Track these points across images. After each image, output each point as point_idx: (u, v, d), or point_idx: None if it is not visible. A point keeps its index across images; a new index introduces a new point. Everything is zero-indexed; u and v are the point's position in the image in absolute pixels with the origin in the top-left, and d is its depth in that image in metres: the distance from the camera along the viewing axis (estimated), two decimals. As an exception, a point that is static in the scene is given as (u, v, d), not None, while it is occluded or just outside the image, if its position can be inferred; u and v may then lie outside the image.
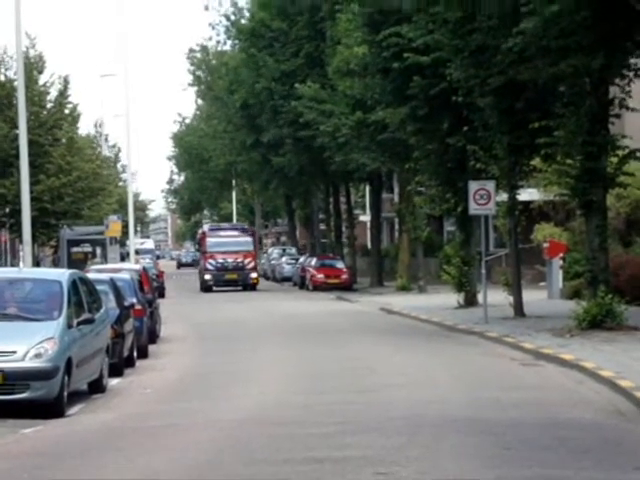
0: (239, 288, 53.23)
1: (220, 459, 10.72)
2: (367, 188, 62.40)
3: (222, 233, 56.28)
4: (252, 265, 54.58)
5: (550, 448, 10.78)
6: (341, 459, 10.40)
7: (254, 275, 54.64)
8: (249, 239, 55.69)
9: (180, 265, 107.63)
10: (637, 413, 12.69)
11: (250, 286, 53.65)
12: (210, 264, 54.02)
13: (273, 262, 68.68)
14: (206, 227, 60.55)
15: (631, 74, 23.08)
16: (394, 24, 30.89)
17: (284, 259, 66.54)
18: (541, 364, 18.37)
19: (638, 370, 15.64)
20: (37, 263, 53.48)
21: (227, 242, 54.64)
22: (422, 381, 16.61)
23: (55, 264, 56.42)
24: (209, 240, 55.14)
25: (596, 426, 12.10)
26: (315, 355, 21.20)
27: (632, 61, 23.01)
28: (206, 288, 53.71)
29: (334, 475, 9.74)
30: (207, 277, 54.10)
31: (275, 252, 73.79)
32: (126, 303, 20.36)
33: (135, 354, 20.53)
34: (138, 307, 21.62)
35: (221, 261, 53.92)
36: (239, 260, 53.99)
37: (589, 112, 22.42)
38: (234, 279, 53.92)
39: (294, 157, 52.02)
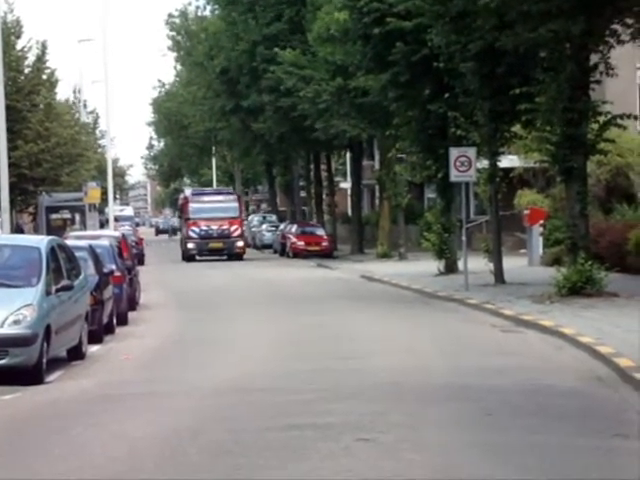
0: (224, 258, 50.21)
1: (200, 427, 10.67)
2: (348, 155, 62.32)
3: (205, 198, 52.85)
4: (238, 233, 51.48)
5: (531, 414, 10.80)
6: (322, 425, 10.38)
7: (240, 244, 51.47)
8: (235, 204, 52.23)
9: (158, 232, 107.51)
10: (616, 379, 12.71)
11: (236, 255, 50.58)
12: (193, 232, 50.77)
13: (253, 229, 68.56)
14: (188, 192, 56.51)
15: (612, 40, 23.01)
16: (375, -11, 30.69)
17: (264, 226, 66.44)
18: (521, 330, 18.40)
19: (617, 336, 15.67)
20: (20, 230, 53.22)
21: (211, 208, 51.17)
22: (403, 348, 16.60)
23: (35, 231, 56.16)
24: (192, 206, 51.70)
25: (576, 392, 12.12)
26: (295, 322, 21.17)
27: (613, 27, 22.94)
28: (189, 257, 50.86)
29: (315, 441, 9.72)
30: (190, 246, 50.90)
31: (255, 219, 73.63)
32: (105, 270, 20.25)
33: (114, 321, 20.45)
34: (117, 274, 21.51)
35: (205, 228, 50.62)
36: (224, 227, 50.73)
37: (570, 78, 22.35)
38: (219, 248, 50.64)
39: (274, 124, 51.80)
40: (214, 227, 50.75)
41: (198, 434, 10.28)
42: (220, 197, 53.29)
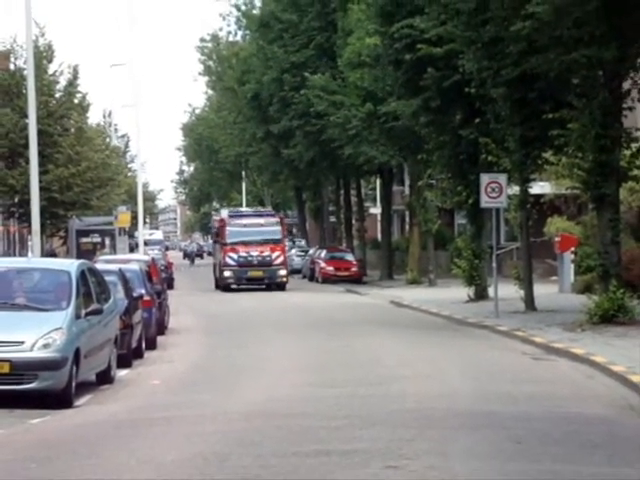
0: (263, 287, 45.18)
1: (227, 451, 10.61)
2: (378, 181, 62.29)
3: (245, 221, 46.59)
4: (281, 260, 45.67)
5: (560, 443, 10.67)
6: (350, 452, 10.31)
7: (283, 272, 45.72)
8: (277, 228, 46.25)
9: (185, 256, 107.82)
10: (649, 408, 12.57)
11: (277, 285, 45.37)
12: (231, 258, 45.06)
13: (283, 254, 68.45)
14: (224, 213, 50.38)
15: (645, 66, 22.92)
16: (407, 16, 30.80)
17: (294, 251, 66.44)
18: (552, 358, 18.25)
19: (650, 365, 15.50)
20: (52, 254, 53.50)
21: (251, 231, 45.38)
22: (432, 374, 16.50)
23: (67, 255, 56.48)
24: (229, 229, 45.75)
25: (606, 421, 11.99)
26: (324, 348, 21.10)
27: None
28: (225, 287, 45.43)
29: (342, 467, 9.65)
30: (227, 274, 45.30)
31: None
32: (135, 294, 20.30)
33: (143, 345, 20.46)
34: (147, 298, 21.55)
35: (244, 255, 44.86)
36: (265, 253, 44.94)
37: (602, 105, 22.26)
38: (259, 277, 45.24)
39: (304, 149, 51.88)
40: (254, 253, 45.04)
41: (226, 459, 10.22)
42: (261, 220, 46.98)
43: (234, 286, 45.79)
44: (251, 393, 14.95)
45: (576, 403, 13.23)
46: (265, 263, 45.01)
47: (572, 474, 9.31)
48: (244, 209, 57.57)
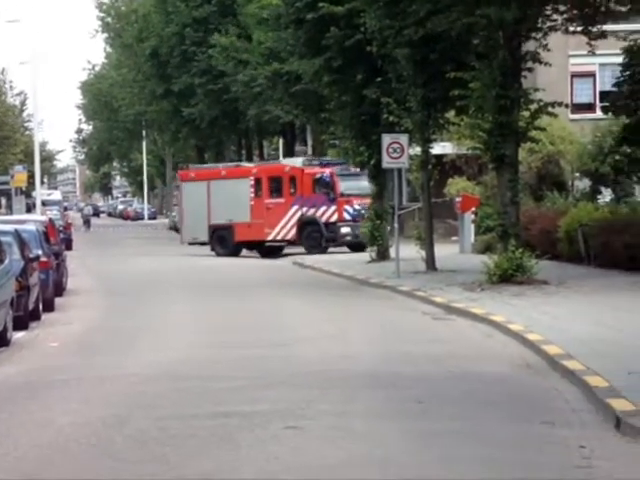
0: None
1: (126, 414, 10.48)
2: (280, 140, 62.14)
3: (351, 170, 38.88)
4: None
5: (460, 402, 10.76)
6: (250, 413, 10.26)
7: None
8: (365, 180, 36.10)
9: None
10: (545, 367, 12.74)
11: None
12: (347, 212, 38.64)
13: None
14: (298, 161, 42.26)
15: (545, 27, 23.10)
16: (308, -27, 30.53)
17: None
18: (452, 318, 18.41)
19: (546, 324, 15.73)
20: None
21: (356, 184, 38.49)
22: (334, 335, 16.51)
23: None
24: (341, 179, 39.07)
25: (505, 379, 12.11)
26: (226, 309, 20.98)
27: (547, 13, 23.03)
28: (348, 245, 38.03)
29: (242, 429, 9.60)
30: (345, 230, 38.33)
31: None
32: (31, 255, 19.86)
33: (41, 307, 20.08)
34: (44, 259, 21.12)
35: (358, 208, 38.10)
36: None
37: (502, 65, 22.39)
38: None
39: (206, 107, 51.40)
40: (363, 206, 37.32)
41: (125, 421, 10.10)
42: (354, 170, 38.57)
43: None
44: (151, 355, 14.78)
45: (475, 362, 13.35)
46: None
47: (470, 431, 9.38)
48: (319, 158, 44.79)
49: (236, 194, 40.27)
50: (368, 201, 34.47)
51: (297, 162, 41.53)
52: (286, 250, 40.64)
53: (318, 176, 39.19)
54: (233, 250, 40.98)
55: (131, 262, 37.93)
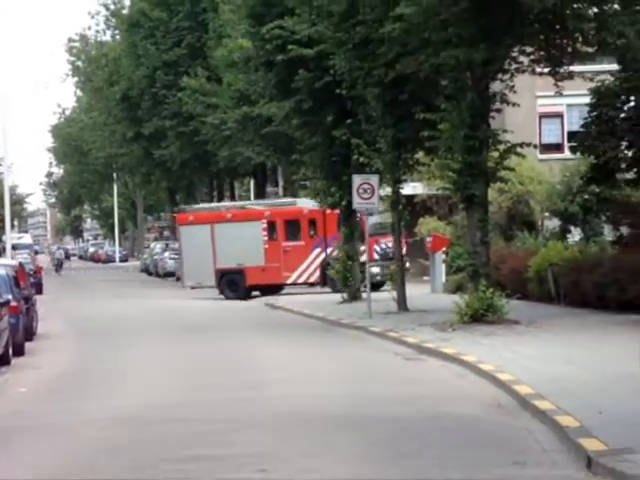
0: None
1: (96, 461, 10.40)
2: (252, 181, 62.24)
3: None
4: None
5: (431, 444, 10.74)
6: (222, 456, 10.23)
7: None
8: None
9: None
10: (516, 407, 12.75)
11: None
12: (376, 252, 37.44)
13: (156, 257, 67.86)
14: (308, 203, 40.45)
15: (512, 68, 23.33)
16: (277, 16, 30.77)
17: (167, 254, 65.76)
18: (423, 358, 18.40)
19: (517, 363, 15.75)
20: None
21: (376, 221, 36.97)
22: (305, 376, 16.46)
23: None
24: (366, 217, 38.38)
25: (476, 420, 12.10)
26: (198, 352, 20.89)
27: (514, 55, 23.26)
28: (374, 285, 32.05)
29: (214, 473, 9.55)
30: (375, 270, 35.56)
31: (158, 247, 72.89)
32: (1, 299, 19.72)
33: (10, 352, 19.91)
34: (14, 304, 20.98)
35: (384, 247, 37.65)
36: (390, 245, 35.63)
37: (470, 106, 22.56)
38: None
39: (177, 150, 51.50)
40: (390, 244, 35.79)
41: (94, 468, 10.02)
42: None
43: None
44: (122, 399, 14.67)
45: (447, 402, 13.34)
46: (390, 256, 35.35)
47: (443, 473, 9.36)
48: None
49: (246, 238, 39.39)
50: (391, 239, 32.61)
51: (309, 203, 39.40)
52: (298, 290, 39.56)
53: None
54: (244, 294, 40.07)
55: (102, 305, 37.74)
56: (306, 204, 40.12)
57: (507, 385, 13.86)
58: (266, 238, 39.66)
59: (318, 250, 38.62)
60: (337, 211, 36.17)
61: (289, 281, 39.61)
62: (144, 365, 19.01)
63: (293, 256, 39.01)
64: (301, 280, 39.42)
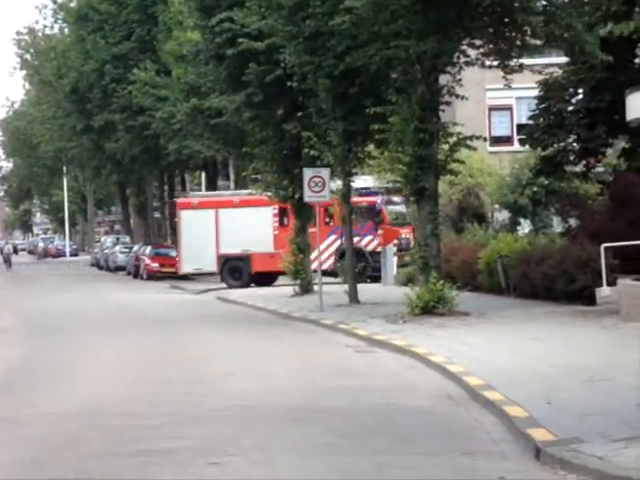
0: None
1: (45, 455, 10.32)
2: (203, 175, 62.04)
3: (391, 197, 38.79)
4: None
5: (382, 435, 10.78)
6: (172, 450, 10.18)
7: None
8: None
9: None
10: (466, 398, 12.82)
11: None
12: (400, 243, 37.05)
13: (106, 251, 67.50)
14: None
15: (462, 61, 23.44)
16: (227, 9, 30.63)
17: (118, 248, 65.48)
18: (374, 350, 18.45)
19: (468, 355, 15.86)
20: None
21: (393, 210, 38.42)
22: (257, 370, 16.45)
23: None
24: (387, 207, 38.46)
25: (427, 411, 12.16)
26: (148, 345, 20.79)
27: (462, 48, 23.38)
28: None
29: (164, 467, 9.52)
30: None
31: (108, 241, 72.51)
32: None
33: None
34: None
35: (405, 238, 37.23)
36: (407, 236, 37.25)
37: (420, 99, 22.65)
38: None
39: (127, 143, 51.19)
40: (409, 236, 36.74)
41: (43, 463, 9.94)
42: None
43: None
44: (72, 393, 14.57)
45: (397, 394, 13.39)
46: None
47: (392, 465, 9.40)
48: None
49: (254, 223, 38.72)
50: (410, 230, 33.16)
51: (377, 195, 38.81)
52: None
53: (364, 205, 37.21)
54: (248, 281, 39.47)
55: (53, 300, 37.43)
56: None
57: (457, 376, 13.95)
58: (277, 224, 38.78)
59: (333, 237, 37.78)
60: (357, 199, 34.96)
61: None
62: (94, 359, 18.89)
63: None
64: (312, 267, 38.83)
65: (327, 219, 38.04)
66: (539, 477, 8.97)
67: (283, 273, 37.63)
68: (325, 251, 36.77)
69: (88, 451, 10.41)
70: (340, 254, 36.02)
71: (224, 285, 39.00)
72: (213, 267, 40.41)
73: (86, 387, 15.22)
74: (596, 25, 21.40)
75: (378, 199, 38.30)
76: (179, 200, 44.80)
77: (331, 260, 37.20)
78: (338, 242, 37.26)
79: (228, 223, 39.59)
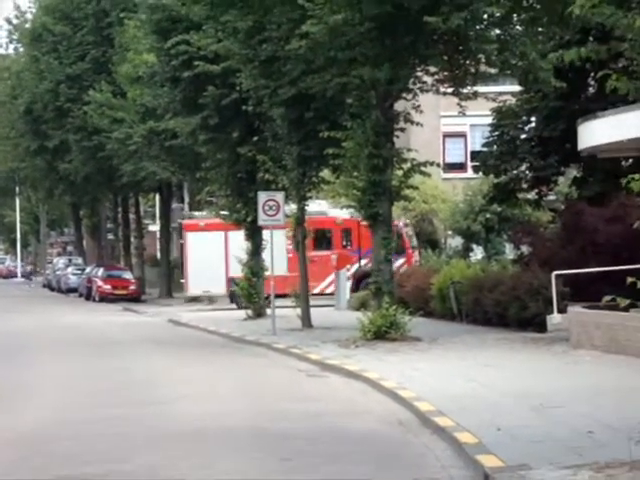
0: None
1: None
2: (157, 197, 61.79)
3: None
4: None
5: (330, 461, 10.70)
6: (117, 473, 10.05)
7: None
8: None
9: None
10: (417, 423, 12.80)
11: None
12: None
13: (58, 272, 66.95)
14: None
15: (417, 88, 23.57)
16: (183, 32, 30.59)
17: (70, 269, 64.98)
18: (326, 375, 18.40)
19: (419, 380, 15.85)
20: None
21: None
22: (206, 393, 16.33)
23: None
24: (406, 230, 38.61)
25: (377, 437, 12.12)
26: (97, 369, 20.58)
27: (418, 75, 23.52)
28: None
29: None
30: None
31: (61, 262, 71.95)
32: None
33: None
34: None
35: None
36: None
37: (375, 125, 22.73)
38: None
39: (80, 164, 50.92)
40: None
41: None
42: None
43: None
44: (16, 418, 14.35)
45: (348, 420, 13.33)
46: None
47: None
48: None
49: (267, 245, 36.34)
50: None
51: (342, 213, 37.61)
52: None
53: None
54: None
55: (3, 321, 37.00)
56: (338, 213, 38.37)
57: (408, 402, 13.93)
58: (291, 247, 37.30)
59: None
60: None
61: (315, 291, 36.69)
62: (42, 382, 18.64)
63: (320, 266, 37.57)
64: (329, 290, 37.84)
65: (344, 242, 37.85)
66: (487, 504, 8.95)
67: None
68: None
69: (29, 476, 10.24)
70: (361, 276, 35.36)
71: (173, 306, 38.62)
72: (222, 289, 40.14)
73: (32, 411, 14.98)
74: (550, 53, 21.62)
75: (400, 222, 37.50)
76: (185, 222, 44.58)
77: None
78: (356, 266, 36.94)
79: (238, 245, 39.30)
